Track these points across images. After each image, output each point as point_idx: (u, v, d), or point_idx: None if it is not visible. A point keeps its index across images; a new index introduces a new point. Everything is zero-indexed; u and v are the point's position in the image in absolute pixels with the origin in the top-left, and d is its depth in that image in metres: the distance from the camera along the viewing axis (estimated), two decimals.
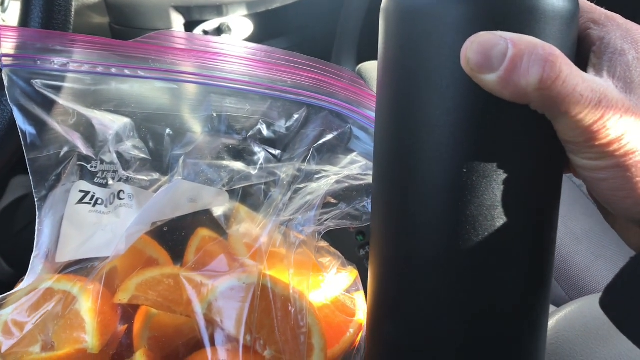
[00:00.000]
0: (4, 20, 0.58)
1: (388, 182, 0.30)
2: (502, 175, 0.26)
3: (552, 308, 0.59)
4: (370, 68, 0.75)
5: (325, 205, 0.42)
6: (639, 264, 0.26)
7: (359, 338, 0.45)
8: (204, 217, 0.43)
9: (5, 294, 0.41)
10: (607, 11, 0.28)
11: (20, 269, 1.13)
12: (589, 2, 0.29)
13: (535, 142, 0.26)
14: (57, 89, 0.38)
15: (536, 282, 0.29)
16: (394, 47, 0.28)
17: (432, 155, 0.27)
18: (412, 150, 0.27)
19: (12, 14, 0.59)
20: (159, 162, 0.42)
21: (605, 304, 0.27)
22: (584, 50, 0.28)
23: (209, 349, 0.39)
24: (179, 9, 0.78)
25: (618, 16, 0.28)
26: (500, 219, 0.27)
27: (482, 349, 0.29)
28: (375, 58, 0.77)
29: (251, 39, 0.86)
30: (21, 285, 0.41)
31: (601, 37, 0.27)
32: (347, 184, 0.43)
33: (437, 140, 0.26)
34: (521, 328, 0.30)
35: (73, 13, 0.43)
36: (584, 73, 0.24)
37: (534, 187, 0.27)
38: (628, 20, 0.28)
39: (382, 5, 0.28)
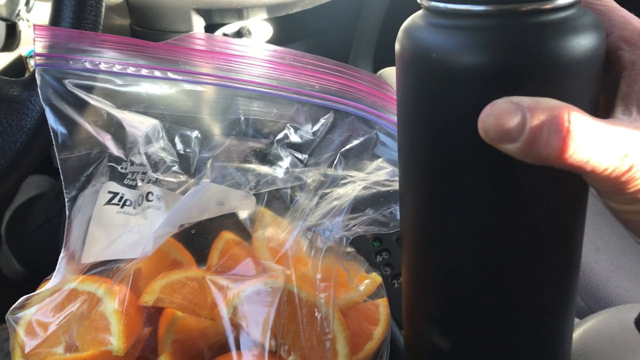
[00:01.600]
0: (28, 20, 0.58)
1: (416, 194, 0.30)
2: (529, 196, 0.26)
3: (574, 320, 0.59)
4: (392, 74, 0.75)
5: (353, 210, 0.42)
6: None
7: (382, 345, 0.45)
8: (229, 221, 0.43)
9: (30, 294, 0.40)
10: None
11: (32, 269, 1.14)
12: (623, 16, 0.27)
13: (562, 178, 0.26)
14: (88, 89, 0.38)
15: (562, 290, 0.30)
16: (408, 92, 0.27)
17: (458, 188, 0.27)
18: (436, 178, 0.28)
19: (37, 14, 0.59)
20: (186, 164, 0.41)
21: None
22: (614, 73, 0.27)
23: (234, 353, 0.39)
24: (199, 12, 0.78)
25: None
26: (528, 229, 0.27)
27: (511, 349, 0.30)
28: (392, 64, 0.77)
29: (270, 42, 0.86)
30: (47, 286, 0.40)
31: (633, 61, 0.26)
32: (374, 190, 0.43)
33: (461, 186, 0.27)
34: (548, 330, 0.30)
35: (103, 13, 0.43)
36: (608, 126, 0.23)
37: (562, 201, 0.27)
38: None
39: (397, 40, 0.27)
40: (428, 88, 0.25)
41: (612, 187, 0.24)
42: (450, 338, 0.31)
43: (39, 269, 0.45)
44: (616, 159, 0.23)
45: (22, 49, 0.60)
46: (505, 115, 0.22)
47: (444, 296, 0.31)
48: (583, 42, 0.24)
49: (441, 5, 0.24)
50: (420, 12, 0.27)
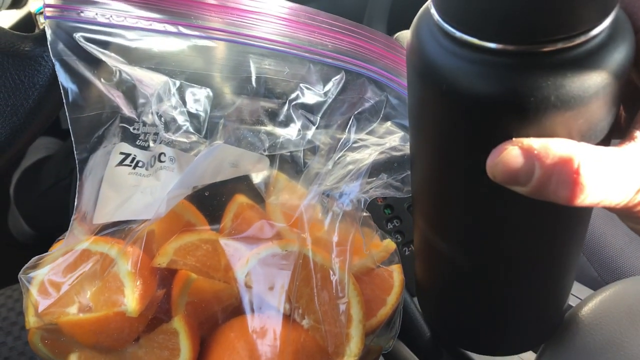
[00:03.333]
0: None
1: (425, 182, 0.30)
2: None
3: (587, 291, 0.58)
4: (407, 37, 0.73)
5: (368, 174, 0.41)
6: None
7: (396, 311, 0.44)
8: (243, 184, 0.42)
9: (42, 255, 0.40)
10: None
11: (40, 231, 1.13)
12: None
13: None
14: (99, 44, 0.37)
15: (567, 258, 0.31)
16: (416, 100, 0.26)
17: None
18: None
19: None
20: (197, 123, 0.40)
21: None
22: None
23: (248, 316, 0.39)
24: None
25: None
26: None
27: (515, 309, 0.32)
28: (407, 27, 0.75)
29: None
30: (59, 247, 0.40)
31: None
32: (388, 155, 0.42)
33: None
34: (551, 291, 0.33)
35: None
36: (620, 161, 0.22)
37: None
38: None
39: (409, 37, 0.25)
40: (434, 112, 0.25)
41: (624, 215, 0.24)
42: (461, 298, 0.32)
43: (47, 231, 0.44)
44: (629, 195, 0.22)
45: (31, 6, 0.59)
46: (513, 163, 0.22)
47: (454, 259, 0.31)
48: (606, 75, 0.22)
49: (457, 34, 0.22)
50: (432, 19, 0.24)
